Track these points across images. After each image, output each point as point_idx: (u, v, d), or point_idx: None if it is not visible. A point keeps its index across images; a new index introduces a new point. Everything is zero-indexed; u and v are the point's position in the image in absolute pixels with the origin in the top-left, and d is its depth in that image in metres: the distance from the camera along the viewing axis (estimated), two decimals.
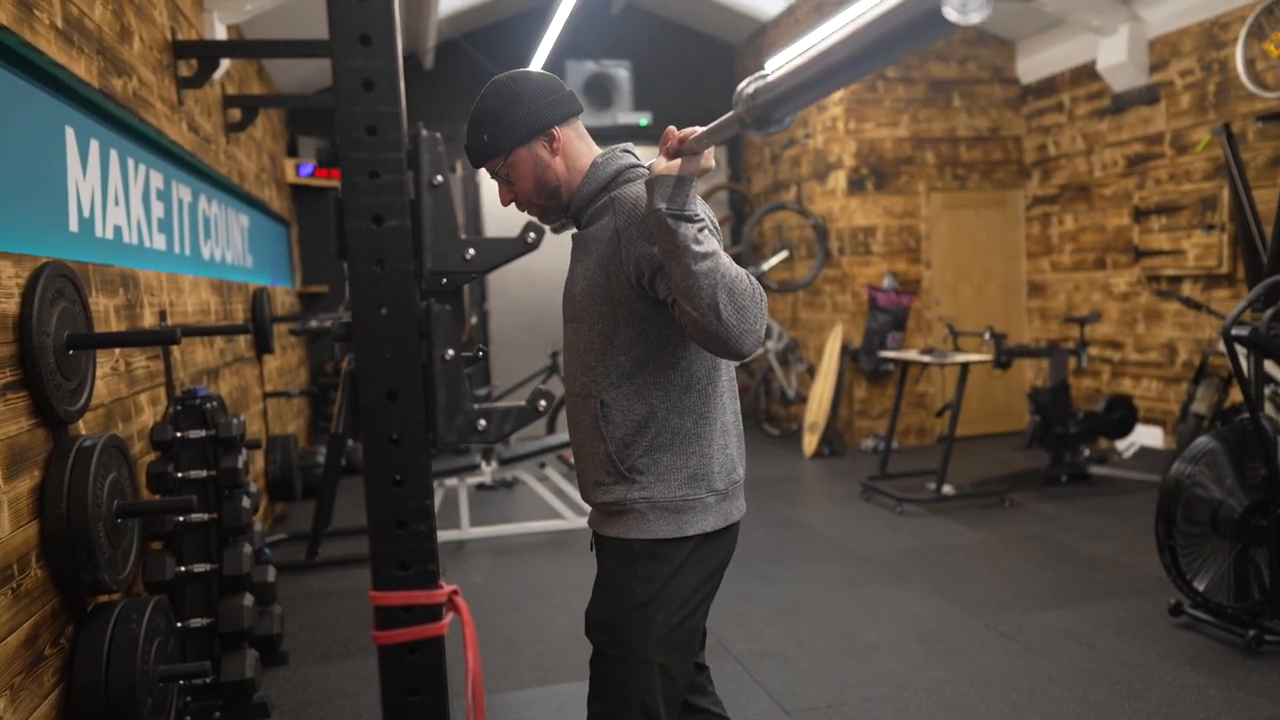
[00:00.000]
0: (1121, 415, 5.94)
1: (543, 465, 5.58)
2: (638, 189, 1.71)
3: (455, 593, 1.16)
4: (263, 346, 5.70)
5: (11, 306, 2.32)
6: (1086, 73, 6.74)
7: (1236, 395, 5.31)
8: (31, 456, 2.36)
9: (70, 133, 2.85)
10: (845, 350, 7.25)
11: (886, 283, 7.20)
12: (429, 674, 1.12)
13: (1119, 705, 2.91)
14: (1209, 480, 3.41)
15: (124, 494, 2.68)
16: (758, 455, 7.28)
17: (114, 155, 3.28)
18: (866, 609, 3.85)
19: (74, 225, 2.86)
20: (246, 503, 3.19)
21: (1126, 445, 6.47)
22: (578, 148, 1.81)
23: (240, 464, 3.19)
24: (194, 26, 4.62)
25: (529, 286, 8.67)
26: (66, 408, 2.52)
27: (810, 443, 7.17)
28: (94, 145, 3.06)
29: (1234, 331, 3.25)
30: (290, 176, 7.69)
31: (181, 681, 2.98)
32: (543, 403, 1.17)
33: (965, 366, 5.40)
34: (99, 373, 2.89)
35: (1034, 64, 7.27)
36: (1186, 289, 6.03)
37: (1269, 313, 3.49)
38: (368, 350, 1.08)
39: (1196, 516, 3.43)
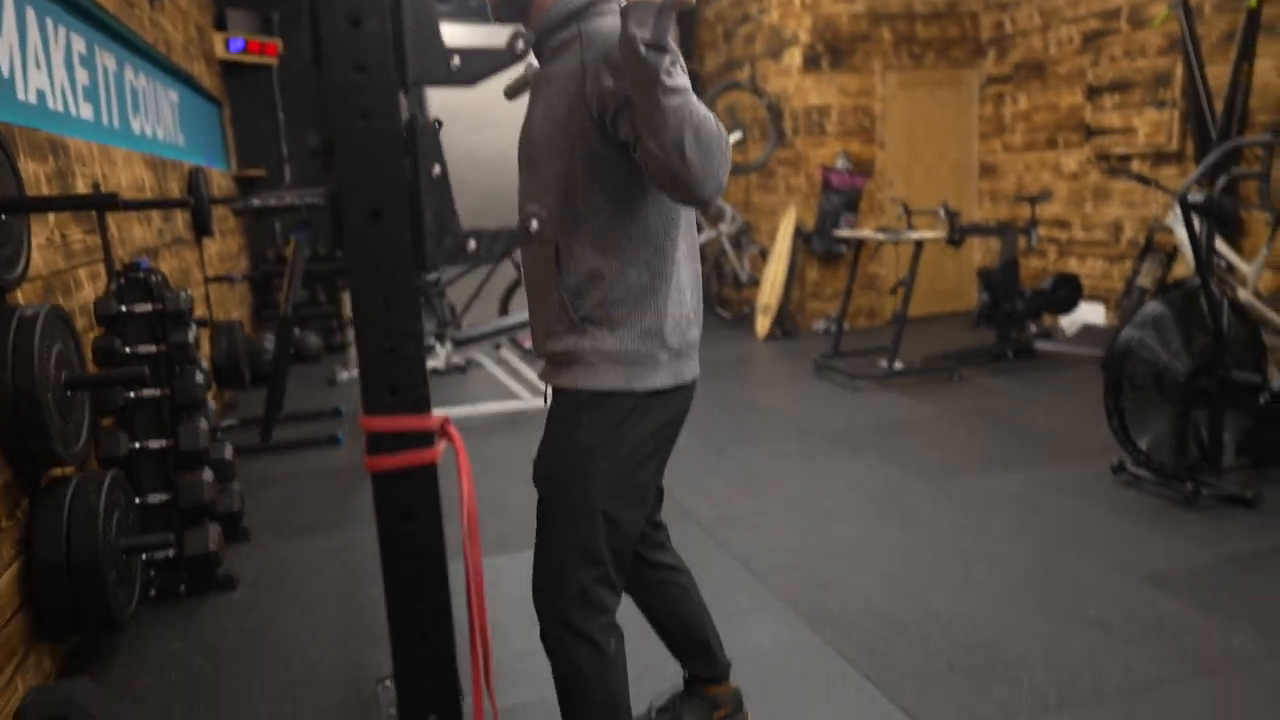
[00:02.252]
0: (1067, 292, 6.06)
1: (498, 347, 5.53)
2: (610, 22, 1.62)
3: (447, 421, 1.13)
4: (202, 228, 5.49)
5: None
6: None
7: (1180, 270, 5.44)
8: None
9: None
10: (798, 232, 7.23)
11: (840, 163, 7.15)
12: (423, 500, 1.11)
13: (1064, 554, 3.05)
14: (1156, 344, 3.51)
15: (71, 366, 2.58)
16: (710, 339, 7.32)
17: (30, 13, 3.05)
18: (823, 478, 3.95)
19: None
20: (199, 378, 3.11)
21: (1070, 323, 6.63)
22: None
23: (190, 339, 3.10)
24: None
25: (478, 171, 8.42)
26: (4, 275, 2.40)
27: (763, 325, 7.21)
28: (8, 2, 2.83)
29: (1190, 198, 3.29)
30: (220, 52, 7.27)
31: (145, 556, 2.95)
32: (534, 222, 1.12)
33: (919, 244, 5.43)
34: (35, 242, 2.74)
35: None
36: (1135, 167, 6.08)
37: (1221, 181, 3.54)
38: (349, 166, 1.01)
39: (1142, 380, 3.54)
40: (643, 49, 1.43)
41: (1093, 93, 6.31)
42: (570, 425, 1.68)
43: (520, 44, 1.09)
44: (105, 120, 3.96)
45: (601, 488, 1.67)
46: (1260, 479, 3.61)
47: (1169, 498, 3.48)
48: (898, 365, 5.56)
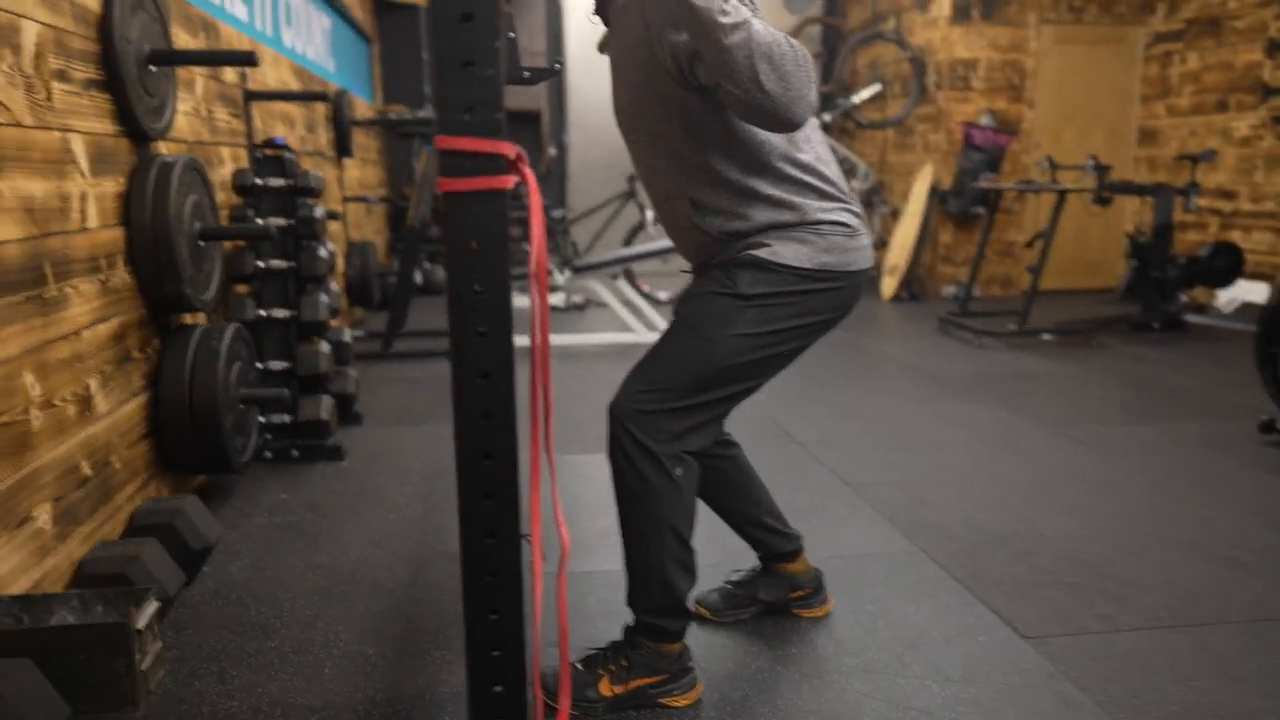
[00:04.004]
0: (1226, 263, 5.61)
1: (615, 277, 5.55)
2: None
3: (521, 158, 1.12)
4: (342, 148, 5.71)
5: (94, 4, 2.31)
6: None
7: None
8: (116, 162, 2.40)
9: None
10: (934, 191, 6.96)
11: (984, 120, 6.82)
12: (491, 228, 1.10)
13: (1194, 497, 2.82)
14: None
15: (205, 219, 2.72)
16: None
17: None
18: (934, 416, 3.79)
19: None
20: (324, 253, 3.24)
21: (1228, 300, 6.14)
22: None
23: (317, 215, 3.22)
24: None
25: (607, 117, 8.47)
26: (150, 125, 2.54)
27: (889, 285, 6.99)
28: None
29: None
30: None
31: (263, 419, 3.10)
32: (557, 64, 1.12)
33: (1062, 196, 5.12)
34: (181, 108, 2.90)
35: None
36: None
37: None
38: None
39: None
40: None
41: (1274, 48, 5.78)
42: (734, 275, 1.68)
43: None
44: (258, 25, 4.16)
45: (739, 334, 1.65)
46: None
47: None
48: (1029, 325, 5.27)
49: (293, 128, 4.54)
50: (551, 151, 8.54)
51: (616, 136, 7.46)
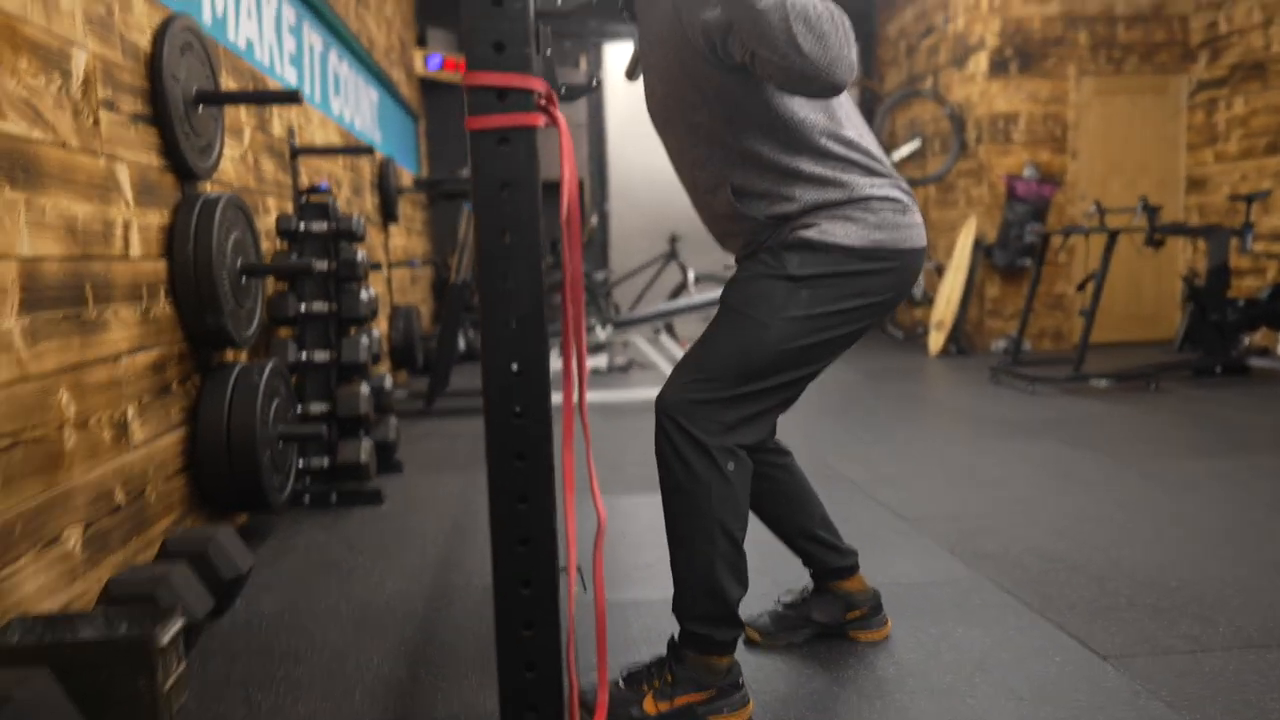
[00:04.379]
0: None
1: (658, 332, 5.51)
2: None
3: (552, 100, 1.08)
4: (388, 214, 5.82)
5: (144, 42, 2.37)
6: None
7: None
8: (160, 195, 2.43)
9: None
10: (978, 245, 6.87)
11: (1027, 172, 6.76)
12: (521, 167, 1.05)
13: (1277, 524, 2.64)
14: None
15: (247, 255, 2.74)
16: (879, 355, 7.02)
17: None
18: (991, 455, 3.64)
19: (206, 19, 2.92)
20: (365, 296, 3.24)
21: None
22: None
23: (359, 258, 3.24)
24: None
25: (649, 188, 8.57)
26: (196, 163, 2.58)
27: (936, 341, 6.86)
28: None
29: None
30: (419, 68, 7.80)
31: (300, 463, 3.07)
32: (596, 81, 1.10)
33: (1113, 236, 5.01)
34: (228, 153, 2.96)
35: None
36: None
37: None
38: None
39: None
40: None
41: None
42: (783, 258, 1.61)
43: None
44: (307, 90, 4.29)
45: (791, 316, 1.57)
46: None
47: None
48: (1084, 371, 5.10)
49: (339, 188, 4.63)
50: (593, 220, 8.65)
51: (657, 203, 7.56)
